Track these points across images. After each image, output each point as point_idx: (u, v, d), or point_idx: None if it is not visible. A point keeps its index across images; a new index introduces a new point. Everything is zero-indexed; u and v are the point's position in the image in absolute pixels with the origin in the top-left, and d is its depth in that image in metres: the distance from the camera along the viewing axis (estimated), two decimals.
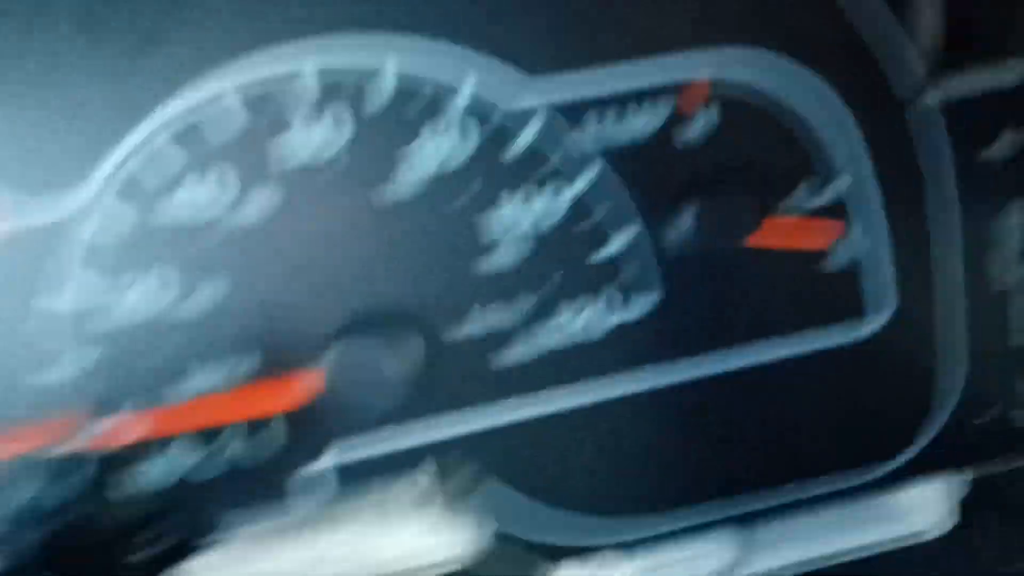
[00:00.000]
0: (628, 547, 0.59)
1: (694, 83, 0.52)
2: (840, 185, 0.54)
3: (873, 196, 0.54)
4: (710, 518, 0.59)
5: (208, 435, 0.53)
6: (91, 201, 0.49)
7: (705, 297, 0.55)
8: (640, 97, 0.51)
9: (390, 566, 0.58)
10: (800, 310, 0.56)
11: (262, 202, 0.50)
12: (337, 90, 0.49)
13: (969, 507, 0.64)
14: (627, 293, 0.54)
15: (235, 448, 0.53)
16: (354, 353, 0.51)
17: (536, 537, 0.57)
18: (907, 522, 0.63)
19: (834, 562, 0.63)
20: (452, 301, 0.53)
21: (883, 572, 0.65)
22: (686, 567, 0.61)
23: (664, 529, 0.59)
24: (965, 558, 0.67)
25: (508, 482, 0.57)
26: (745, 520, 0.61)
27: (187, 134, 0.49)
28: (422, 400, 0.53)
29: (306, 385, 0.52)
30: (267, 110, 0.49)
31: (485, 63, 0.50)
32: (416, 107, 0.50)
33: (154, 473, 0.53)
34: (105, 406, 0.52)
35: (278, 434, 0.53)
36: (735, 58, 0.52)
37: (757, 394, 0.58)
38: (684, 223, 0.52)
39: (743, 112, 0.52)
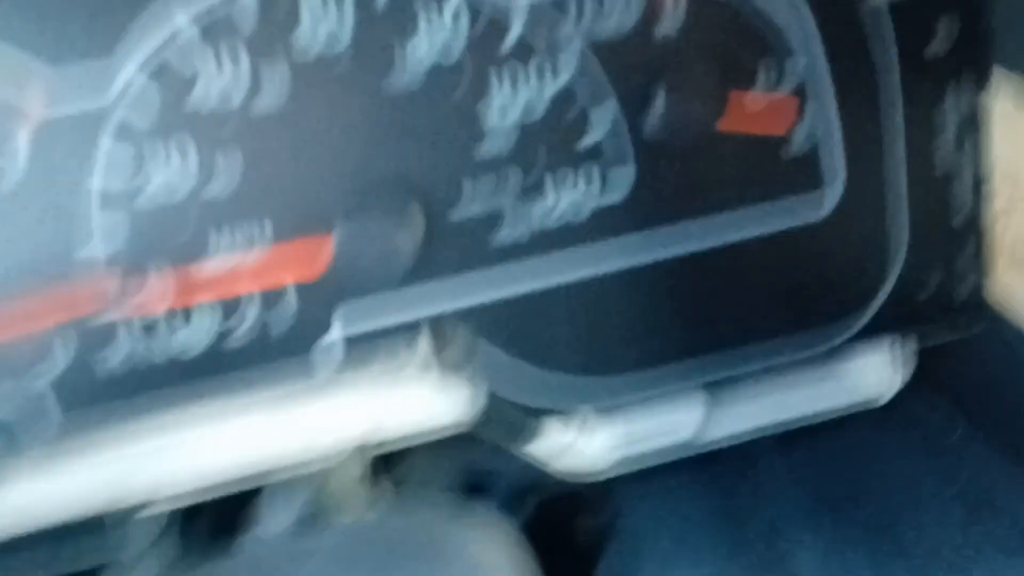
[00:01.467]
0: (607, 410, 0.66)
1: None
2: (796, 70, 0.60)
3: (826, 84, 0.60)
4: (679, 382, 0.66)
5: (228, 305, 0.59)
6: (124, 84, 0.54)
7: (677, 178, 0.61)
8: None
9: (394, 430, 0.65)
10: (763, 191, 0.62)
11: (277, 89, 0.55)
12: None
13: (914, 378, 0.71)
14: (607, 175, 0.60)
15: (253, 317, 0.59)
16: (362, 224, 0.57)
17: (524, 398, 0.64)
18: (857, 390, 0.70)
19: (790, 427, 0.70)
20: (450, 183, 0.59)
21: (835, 438, 0.72)
22: (659, 432, 0.68)
23: (637, 392, 0.66)
24: (910, 426, 0.75)
25: (500, 346, 0.63)
26: (711, 386, 0.67)
27: (211, 25, 0.54)
28: (425, 276, 0.59)
29: (319, 254, 0.58)
30: (280, 4, 0.54)
31: None
32: (416, 1, 0.55)
33: (178, 343, 0.59)
34: (134, 278, 0.57)
35: (291, 303, 0.60)
36: None
37: (723, 268, 0.64)
38: (657, 108, 0.58)
39: (710, 6, 0.58)
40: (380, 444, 0.65)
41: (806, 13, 0.60)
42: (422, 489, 0.73)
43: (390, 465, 0.72)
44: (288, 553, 0.55)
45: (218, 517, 0.67)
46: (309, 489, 0.66)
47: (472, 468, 0.76)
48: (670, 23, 0.58)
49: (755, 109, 0.60)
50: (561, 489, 0.73)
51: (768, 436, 0.70)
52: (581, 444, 0.66)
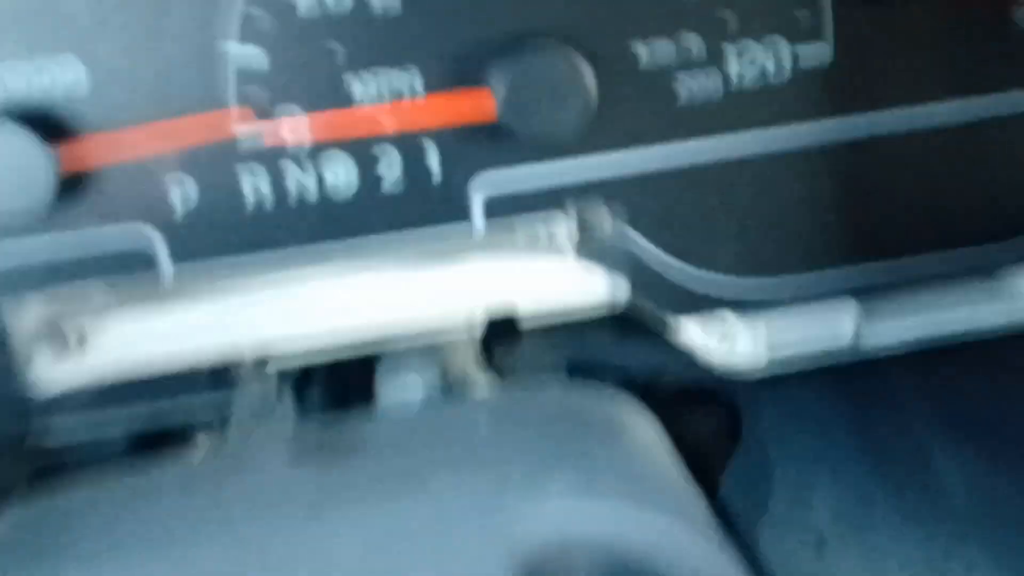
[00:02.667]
0: (754, 307, 0.60)
1: None
2: None
3: None
4: (836, 284, 0.60)
5: (367, 155, 0.53)
6: None
7: (876, 53, 0.54)
8: None
9: (530, 304, 0.59)
10: (969, 72, 0.55)
11: None
12: None
13: None
14: (800, 40, 0.54)
15: (394, 170, 0.54)
16: (531, 74, 0.50)
17: (666, 291, 0.59)
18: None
19: (946, 343, 0.64)
20: (639, 23, 0.52)
21: (978, 360, 0.66)
22: (810, 335, 0.62)
23: (789, 292, 0.60)
24: None
25: (645, 233, 0.57)
26: (867, 291, 0.62)
27: None
28: (589, 144, 0.53)
29: (473, 104, 0.52)
30: None
31: None
32: None
33: (308, 188, 0.54)
34: (270, 107, 0.51)
35: (434, 160, 0.54)
36: None
37: (905, 160, 0.57)
38: None
39: None
40: (507, 318, 0.61)
41: None
42: (531, 374, 0.68)
43: (497, 348, 0.68)
44: (430, 422, 0.50)
45: (335, 382, 0.63)
46: (429, 363, 0.62)
47: (581, 357, 0.72)
48: None
49: None
50: (675, 387, 0.69)
51: (909, 355, 0.64)
52: (730, 340, 0.61)
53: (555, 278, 0.58)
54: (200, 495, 0.45)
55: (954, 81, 0.56)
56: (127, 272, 0.53)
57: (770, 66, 0.54)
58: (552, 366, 0.71)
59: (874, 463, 0.63)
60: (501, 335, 0.64)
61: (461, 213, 0.55)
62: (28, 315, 0.56)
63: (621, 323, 0.63)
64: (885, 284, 0.61)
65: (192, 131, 0.51)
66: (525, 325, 0.61)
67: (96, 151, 0.50)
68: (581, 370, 0.72)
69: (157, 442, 0.67)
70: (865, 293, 0.61)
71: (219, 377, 0.60)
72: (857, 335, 0.63)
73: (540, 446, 0.45)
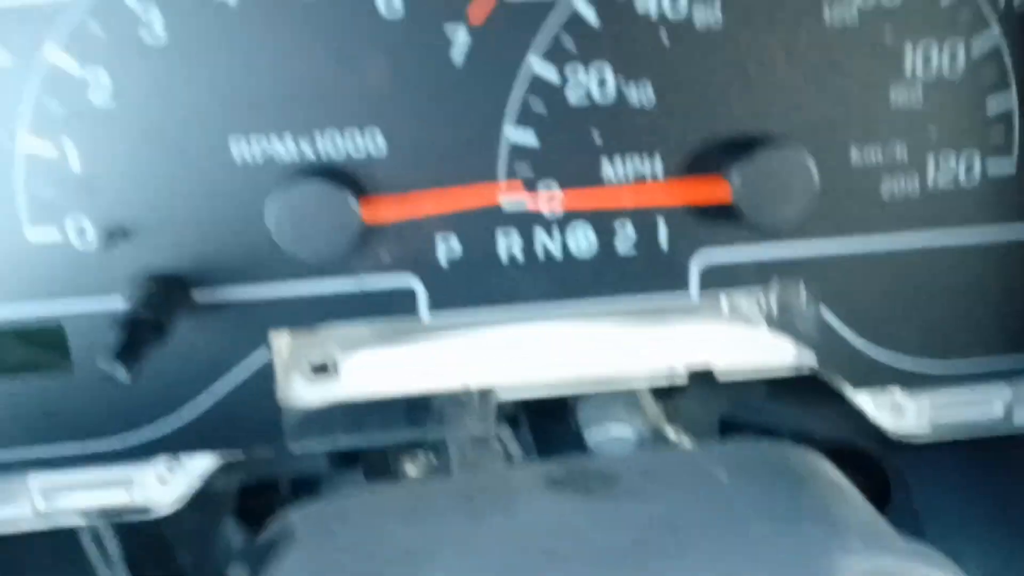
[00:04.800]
0: (922, 383, 0.67)
1: None
2: None
3: None
4: (995, 368, 0.67)
5: (606, 219, 0.61)
6: None
7: None
8: None
9: (726, 363, 0.67)
10: None
11: (718, 12, 0.57)
12: None
13: None
14: (993, 152, 0.61)
15: (631, 236, 0.62)
16: (767, 164, 0.58)
17: (848, 364, 0.65)
18: None
19: None
20: (853, 129, 0.60)
21: None
22: (966, 409, 0.69)
23: (956, 372, 0.67)
24: None
25: (835, 311, 0.64)
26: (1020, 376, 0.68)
27: None
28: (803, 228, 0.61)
29: (707, 189, 0.60)
30: None
31: None
32: None
33: (572, 241, 0.61)
34: (534, 180, 0.60)
35: (663, 232, 0.62)
36: None
37: None
38: None
39: None
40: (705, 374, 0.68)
41: None
42: (692, 420, 0.75)
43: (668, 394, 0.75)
44: (662, 462, 0.57)
45: (540, 421, 0.71)
46: (631, 410, 0.69)
47: (742, 409, 0.79)
48: None
49: None
50: (827, 447, 0.76)
51: None
52: (898, 411, 0.68)
53: (751, 344, 0.66)
54: (473, 516, 0.52)
55: None
56: (391, 314, 0.62)
57: (962, 173, 0.62)
58: (713, 417, 0.79)
59: (1012, 545, 0.69)
60: (677, 387, 0.72)
61: (681, 282, 0.63)
62: (294, 339, 0.65)
63: (778, 384, 0.70)
64: None
65: (467, 197, 0.59)
66: (719, 381, 0.68)
67: (386, 209, 0.59)
68: (734, 424, 0.80)
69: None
70: (1019, 377, 0.68)
71: (440, 407, 0.68)
72: (1009, 414, 0.69)
73: (784, 497, 0.52)
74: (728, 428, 0.80)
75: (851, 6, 0.58)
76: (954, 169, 0.62)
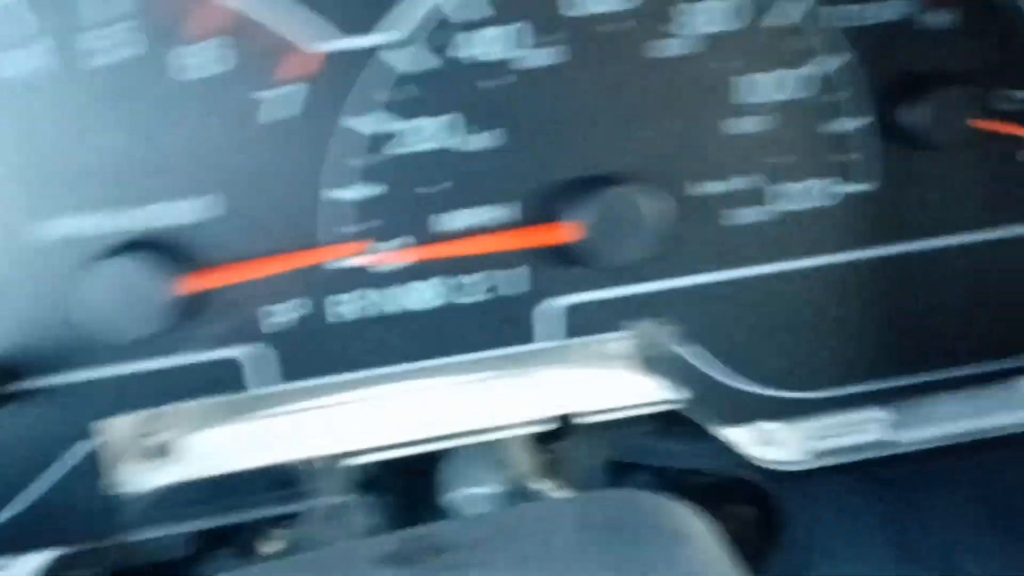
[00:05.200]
0: (796, 415, 0.65)
1: None
2: None
3: None
4: (871, 395, 0.65)
5: (464, 267, 0.57)
6: (406, 37, 0.52)
7: (915, 188, 0.60)
8: None
9: (590, 405, 0.64)
10: (994, 201, 0.61)
11: (547, 54, 0.54)
12: None
13: None
14: (847, 175, 0.59)
15: (487, 281, 0.58)
16: (617, 202, 0.55)
17: (717, 400, 0.63)
18: None
19: (979, 438, 0.68)
20: (698, 160, 0.57)
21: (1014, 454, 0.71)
22: (848, 431, 0.67)
23: (830, 402, 0.65)
24: None
25: (702, 342, 0.62)
26: (900, 396, 0.67)
27: None
28: (655, 260, 0.58)
29: (563, 232, 0.56)
30: None
31: None
32: None
33: (411, 297, 0.58)
34: (384, 232, 0.56)
35: (523, 272, 0.58)
36: None
37: (934, 279, 0.63)
38: (915, 110, 0.57)
39: (980, 10, 0.57)
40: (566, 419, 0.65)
41: None
42: (577, 467, 0.72)
43: (551, 445, 0.72)
44: (501, 524, 0.54)
45: (407, 477, 0.67)
46: (491, 464, 0.66)
47: (627, 451, 0.76)
48: (939, 17, 0.57)
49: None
50: (715, 481, 0.73)
51: (948, 449, 0.69)
52: (771, 442, 0.66)
53: (617, 385, 0.63)
54: None
55: (978, 215, 0.62)
56: (217, 391, 0.57)
57: (805, 199, 0.59)
58: (597, 461, 0.75)
59: (901, 560, 0.67)
60: (556, 433, 0.68)
61: (527, 332, 0.59)
62: (118, 424, 0.59)
63: (664, 420, 0.68)
64: (915, 392, 0.66)
65: (292, 261, 0.55)
66: (580, 423, 0.65)
67: (206, 280, 0.54)
68: (624, 465, 0.77)
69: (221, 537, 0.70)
70: (894, 400, 0.66)
71: (291, 477, 0.64)
72: (888, 437, 0.68)
73: (617, 553, 0.49)
74: (619, 470, 0.77)
75: (682, 41, 0.55)
76: (796, 196, 0.59)
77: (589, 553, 0.50)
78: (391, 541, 0.53)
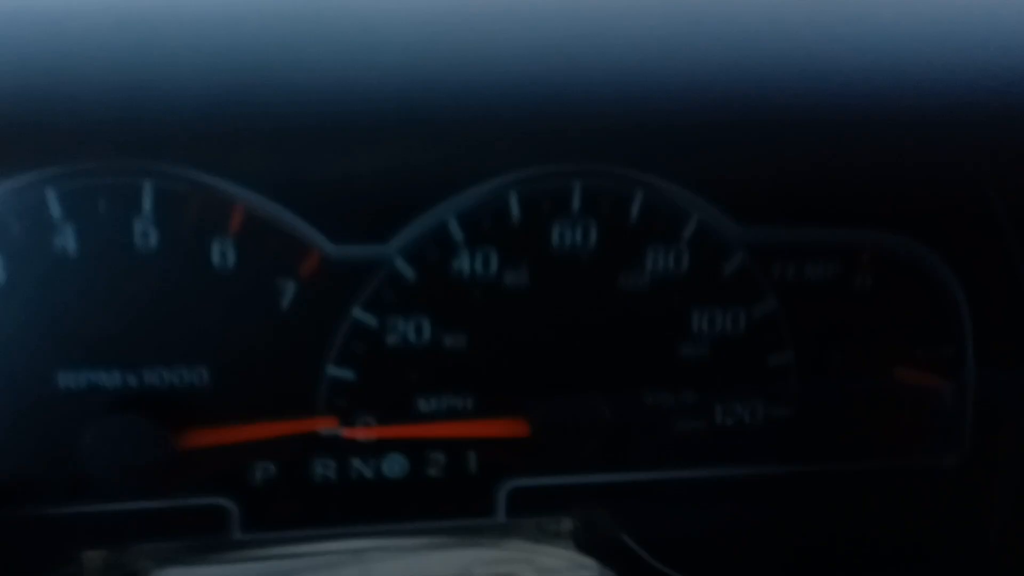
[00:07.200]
0: None
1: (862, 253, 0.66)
2: (947, 350, 0.69)
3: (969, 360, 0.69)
4: None
5: (417, 448, 0.65)
6: (385, 258, 0.61)
7: (828, 413, 0.69)
8: (820, 252, 0.65)
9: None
10: (902, 434, 0.70)
11: (515, 281, 0.63)
12: (595, 204, 0.62)
13: None
14: (774, 402, 0.68)
15: (441, 462, 0.66)
16: (559, 407, 0.64)
17: None
18: None
19: None
20: (646, 377, 0.66)
21: None
22: None
23: None
24: None
25: (635, 536, 0.70)
26: None
27: (469, 218, 0.61)
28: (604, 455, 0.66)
29: (511, 427, 0.64)
30: (536, 210, 0.62)
31: (707, 206, 0.63)
32: (655, 227, 0.63)
33: (372, 471, 0.65)
34: (350, 414, 0.64)
35: (473, 460, 0.66)
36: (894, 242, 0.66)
37: (840, 500, 0.71)
38: (831, 357, 0.67)
39: (893, 275, 0.66)
40: None
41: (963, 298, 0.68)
42: None
43: None
44: None
45: None
46: None
47: None
48: (859, 284, 0.66)
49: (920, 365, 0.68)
50: None
51: None
52: None
53: (555, 565, 0.70)
54: None
55: (883, 444, 0.71)
56: (203, 533, 0.64)
57: (746, 416, 0.68)
58: None
59: None
60: None
61: (488, 505, 0.67)
62: (98, 558, 0.65)
63: None
64: None
65: (284, 428, 0.63)
66: None
67: (202, 438, 0.61)
68: None
69: None
70: None
71: None
72: None
73: None
74: None
75: (643, 274, 0.64)
76: (739, 413, 0.68)
77: None
78: None
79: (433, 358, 0.63)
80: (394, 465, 0.65)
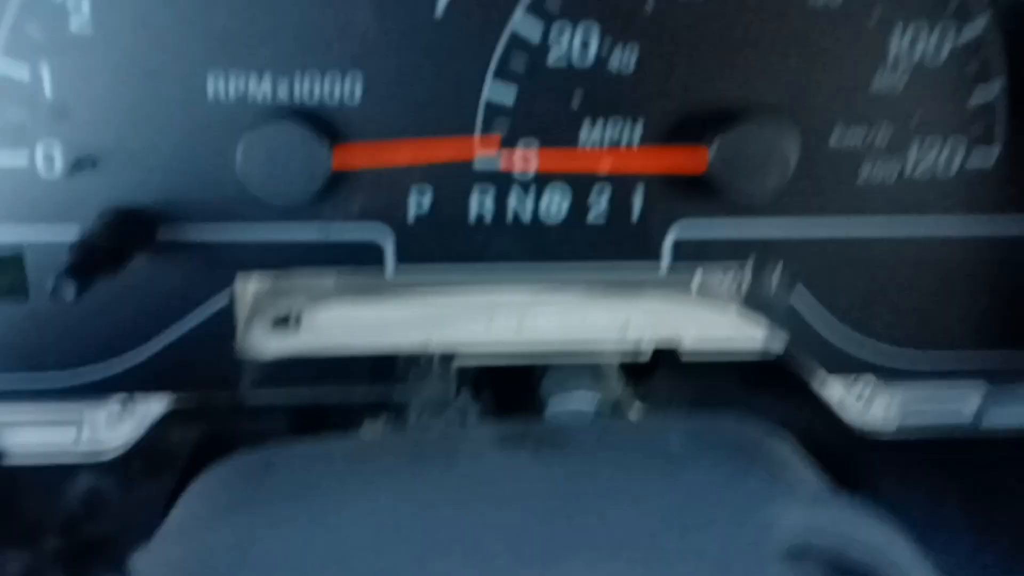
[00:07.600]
0: (896, 375, 0.67)
1: None
2: None
3: None
4: (972, 365, 0.67)
5: (580, 182, 0.61)
6: None
7: None
8: None
9: (692, 341, 0.66)
10: None
11: None
12: None
13: None
14: (975, 142, 0.61)
15: (603, 204, 0.61)
16: (740, 138, 0.58)
17: (819, 349, 0.65)
18: None
19: None
20: (834, 110, 0.59)
21: None
22: (938, 404, 0.68)
23: (932, 365, 0.67)
24: None
25: (812, 289, 0.64)
26: (997, 375, 0.68)
27: None
28: (783, 198, 0.60)
29: (684, 159, 0.59)
30: None
31: None
32: None
33: (530, 209, 0.61)
34: (510, 138, 0.59)
35: (639, 199, 0.61)
36: None
37: None
38: None
39: None
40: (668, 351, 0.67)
41: None
42: (664, 406, 0.74)
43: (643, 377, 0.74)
44: (609, 428, 0.56)
45: (504, 387, 0.70)
46: (594, 381, 0.68)
47: (702, 399, 0.78)
48: None
49: None
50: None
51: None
52: (868, 401, 0.67)
53: (720, 323, 0.65)
54: (422, 469, 0.51)
55: None
56: (357, 264, 0.61)
57: (943, 162, 0.61)
58: (678, 403, 0.77)
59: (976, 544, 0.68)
60: (649, 367, 0.71)
61: (652, 252, 0.62)
62: (258, 287, 0.64)
63: (752, 374, 0.70)
64: (1014, 371, 0.67)
65: (442, 150, 0.59)
66: (683, 360, 0.67)
67: (359, 155, 0.58)
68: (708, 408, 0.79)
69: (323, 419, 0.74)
70: (995, 376, 0.67)
71: (402, 367, 0.67)
72: (980, 414, 0.69)
73: (732, 464, 0.51)
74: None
75: None
76: (935, 157, 0.61)
77: (695, 459, 0.53)
78: (508, 428, 0.56)
79: (601, 78, 0.58)
80: (555, 203, 0.61)
